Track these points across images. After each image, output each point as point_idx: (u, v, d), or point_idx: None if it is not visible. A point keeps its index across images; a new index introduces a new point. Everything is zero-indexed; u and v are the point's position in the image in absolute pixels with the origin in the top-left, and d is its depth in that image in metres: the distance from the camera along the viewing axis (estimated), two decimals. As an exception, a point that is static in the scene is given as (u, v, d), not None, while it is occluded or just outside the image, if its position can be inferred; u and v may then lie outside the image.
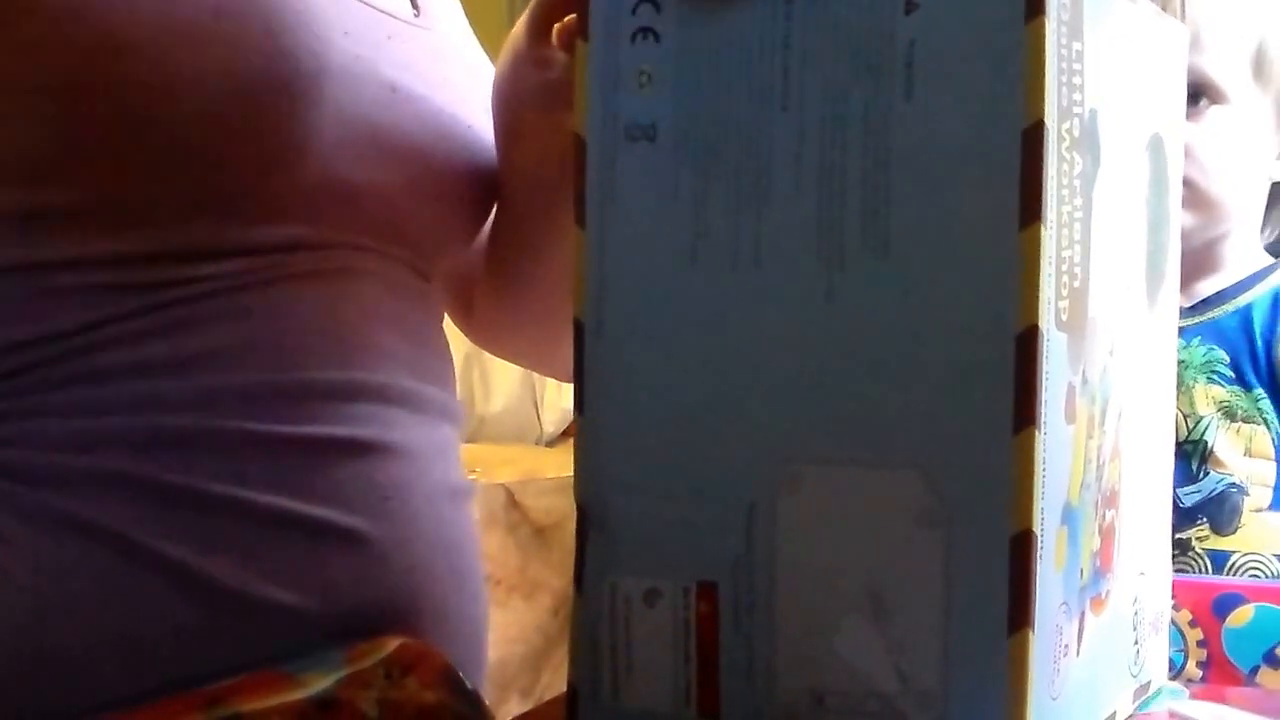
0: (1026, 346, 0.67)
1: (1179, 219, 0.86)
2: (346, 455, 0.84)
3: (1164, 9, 1.31)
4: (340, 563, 0.82)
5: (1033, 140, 0.67)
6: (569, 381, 0.96)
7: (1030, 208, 0.67)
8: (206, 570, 0.79)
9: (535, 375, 3.04)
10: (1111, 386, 0.76)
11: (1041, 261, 0.67)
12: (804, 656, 0.71)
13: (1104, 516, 0.76)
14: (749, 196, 0.71)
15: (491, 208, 1.01)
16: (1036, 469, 0.67)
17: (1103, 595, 0.76)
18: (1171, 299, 0.85)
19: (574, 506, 0.76)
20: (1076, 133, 0.70)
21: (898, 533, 0.69)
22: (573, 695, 0.76)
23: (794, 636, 0.71)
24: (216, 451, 0.80)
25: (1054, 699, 0.70)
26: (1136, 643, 0.82)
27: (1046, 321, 0.67)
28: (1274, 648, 0.93)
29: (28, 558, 0.77)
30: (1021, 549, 0.67)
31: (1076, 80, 0.70)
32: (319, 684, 0.77)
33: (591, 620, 0.75)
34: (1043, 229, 0.67)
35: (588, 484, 0.75)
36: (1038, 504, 0.67)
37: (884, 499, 0.69)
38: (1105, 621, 0.77)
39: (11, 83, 0.77)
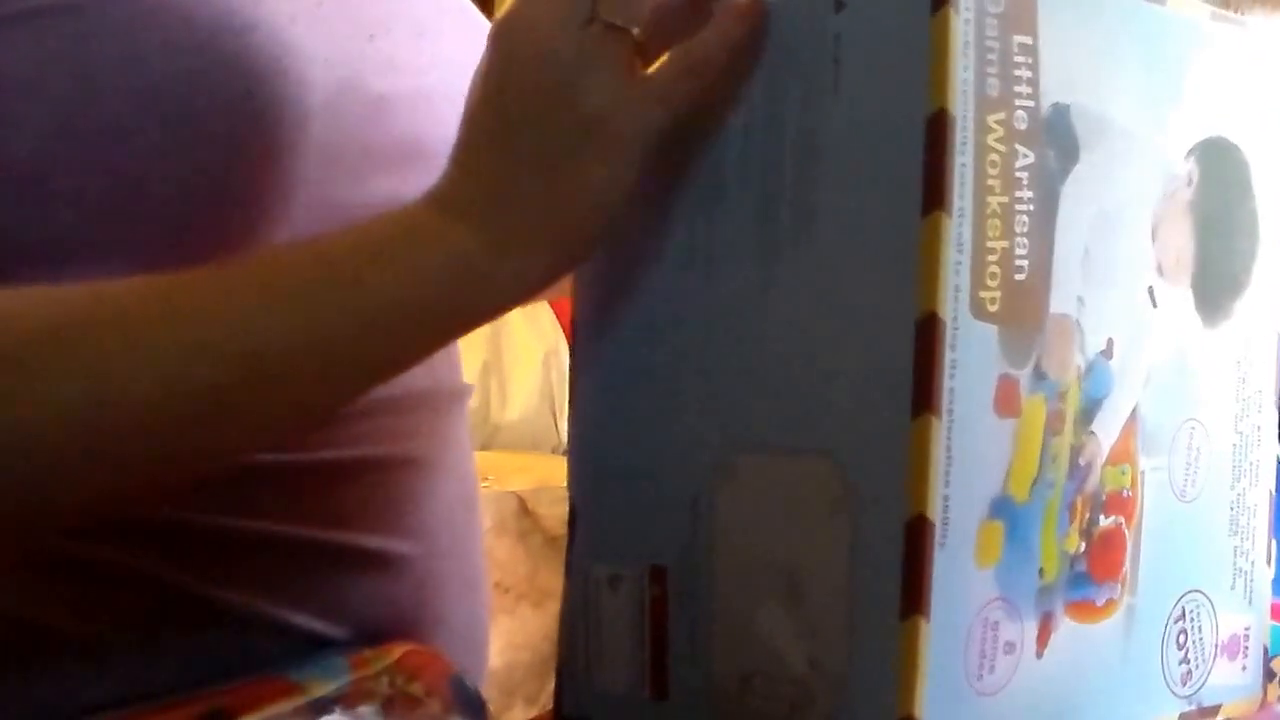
0: (926, 333, 0.68)
1: (1273, 229, 0.82)
2: (363, 475, 0.83)
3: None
4: (358, 584, 0.83)
5: (936, 129, 0.68)
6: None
7: (932, 195, 0.68)
8: (226, 600, 0.79)
9: (554, 383, 2.93)
10: (1108, 387, 0.74)
11: (943, 248, 0.67)
12: (735, 640, 0.73)
13: (1093, 520, 0.74)
14: (704, 196, 0.75)
15: None
16: (934, 455, 0.67)
17: (1096, 602, 0.74)
18: (1254, 310, 0.81)
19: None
20: (1022, 125, 0.70)
21: (811, 519, 0.70)
22: (559, 675, 0.80)
23: (727, 621, 0.73)
24: (230, 483, 0.78)
25: (985, 695, 0.70)
26: (1186, 661, 0.79)
27: (952, 309, 0.68)
28: (1271, 660, 0.86)
29: (50, 601, 0.77)
30: (915, 535, 0.67)
31: (1020, 74, 0.70)
32: (322, 690, 0.77)
33: (573, 604, 0.79)
34: (944, 217, 0.67)
35: (573, 474, 0.80)
36: (936, 491, 0.67)
37: (802, 486, 0.71)
38: (1107, 631, 0.75)
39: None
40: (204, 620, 0.79)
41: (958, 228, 0.68)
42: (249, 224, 0.77)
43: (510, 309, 0.75)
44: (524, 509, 2.40)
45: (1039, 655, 0.72)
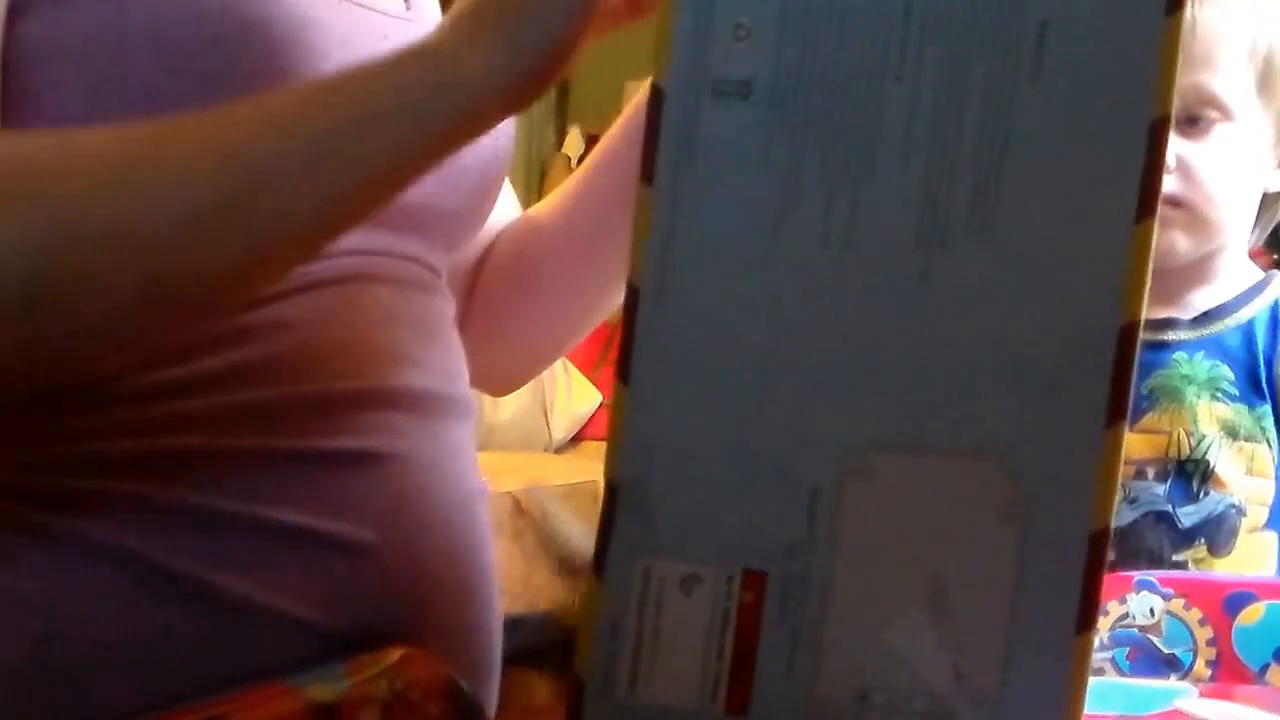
0: (1126, 342, 0.66)
1: None
2: (358, 467, 0.83)
3: None
4: (350, 576, 0.81)
5: (1158, 134, 0.66)
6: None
7: (1148, 202, 0.66)
8: (216, 585, 0.78)
9: (545, 383, 3.00)
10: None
11: (1150, 255, 0.66)
12: (854, 651, 0.68)
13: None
14: (849, 168, 0.68)
15: (498, 191, 0.99)
16: (1120, 465, 0.65)
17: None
18: None
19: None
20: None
21: (971, 525, 0.67)
22: (579, 688, 0.71)
23: (846, 630, 0.68)
24: (228, 469, 0.79)
25: None
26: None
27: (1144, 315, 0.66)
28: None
29: (36, 577, 0.77)
30: (1098, 547, 0.65)
31: None
32: (321, 695, 0.75)
33: (615, 607, 0.71)
34: (1154, 223, 0.66)
35: (624, 460, 0.71)
36: (1117, 501, 0.66)
37: (961, 490, 0.67)
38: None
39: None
40: (171, 594, 0.78)
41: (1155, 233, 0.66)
42: None
43: (486, 110, 0.76)
44: (518, 509, 2.35)
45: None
